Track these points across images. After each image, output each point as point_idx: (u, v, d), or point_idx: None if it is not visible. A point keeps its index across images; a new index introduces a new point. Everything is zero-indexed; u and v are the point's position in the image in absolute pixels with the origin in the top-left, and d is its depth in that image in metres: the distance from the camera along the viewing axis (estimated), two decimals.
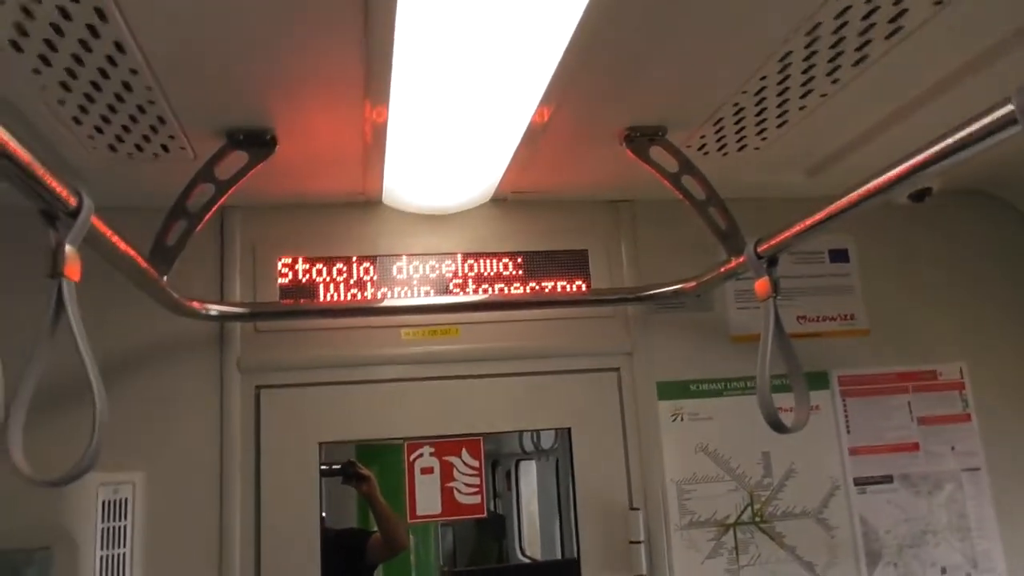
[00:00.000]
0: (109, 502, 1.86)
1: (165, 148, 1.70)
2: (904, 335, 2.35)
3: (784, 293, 2.29)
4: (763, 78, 1.60)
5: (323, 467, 2.56)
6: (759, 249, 1.67)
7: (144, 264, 1.48)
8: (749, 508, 2.17)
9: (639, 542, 2.07)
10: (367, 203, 2.18)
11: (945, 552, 2.22)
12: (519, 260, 2.21)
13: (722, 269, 1.85)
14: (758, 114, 1.77)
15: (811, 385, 2.24)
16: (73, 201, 1.06)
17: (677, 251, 2.28)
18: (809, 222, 1.55)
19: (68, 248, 1.05)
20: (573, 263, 2.24)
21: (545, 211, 2.26)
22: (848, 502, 2.21)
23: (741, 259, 1.77)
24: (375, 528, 2.48)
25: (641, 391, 2.19)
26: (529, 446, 2.94)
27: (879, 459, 2.26)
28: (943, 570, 2.21)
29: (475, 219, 2.23)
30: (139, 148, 1.70)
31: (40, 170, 0.98)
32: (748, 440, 2.21)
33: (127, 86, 1.43)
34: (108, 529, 1.84)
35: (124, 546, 1.86)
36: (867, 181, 1.35)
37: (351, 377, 2.09)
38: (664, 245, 2.29)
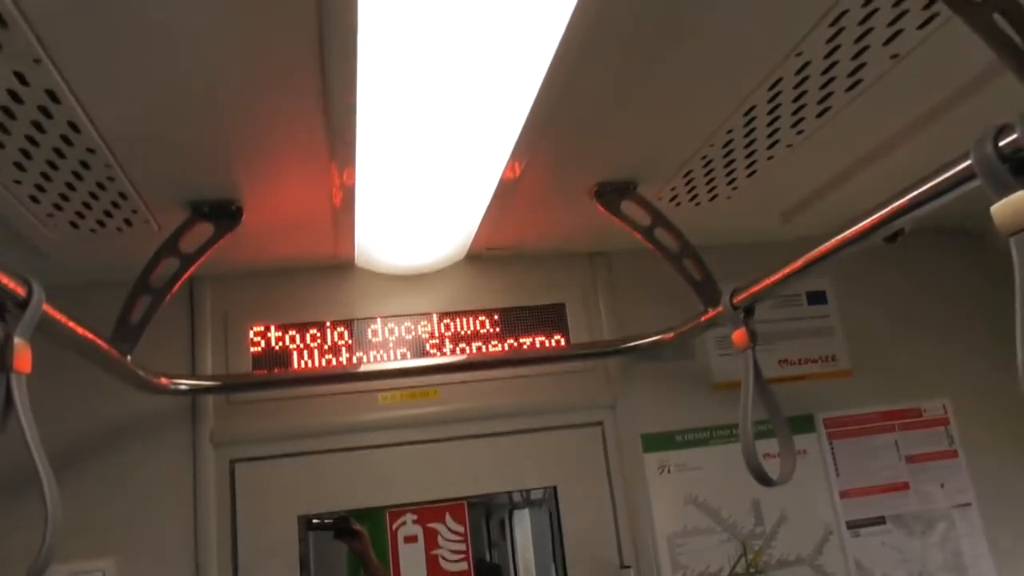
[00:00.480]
0: None
1: (128, 222, 1.67)
2: (887, 374, 2.34)
3: (764, 338, 2.30)
4: (729, 131, 1.60)
5: (314, 521, 2.48)
6: (735, 300, 1.66)
7: (105, 346, 1.44)
8: (743, 559, 2.12)
9: None
10: (339, 266, 2.15)
11: None
12: (496, 317, 2.18)
13: (699, 320, 1.83)
14: (727, 165, 1.77)
15: (797, 429, 2.23)
16: (22, 291, 1.02)
17: (656, 301, 2.26)
18: (786, 271, 1.54)
19: (17, 340, 1.00)
20: (551, 318, 2.21)
21: (520, 266, 2.24)
22: (843, 546, 2.17)
23: (719, 309, 1.75)
24: None
25: (626, 444, 2.15)
26: (517, 496, 2.84)
27: (870, 500, 2.22)
28: None
29: (450, 277, 2.21)
30: (101, 224, 1.66)
31: None
32: (737, 489, 2.17)
33: (85, 164, 1.40)
34: None
35: None
36: (841, 230, 1.35)
37: (329, 445, 2.03)
38: (642, 295, 2.27)
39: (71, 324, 1.23)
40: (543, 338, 2.19)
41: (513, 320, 2.18)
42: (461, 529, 2.03)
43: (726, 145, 1.69)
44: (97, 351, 1.40)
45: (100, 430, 1.93)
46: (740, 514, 2.15)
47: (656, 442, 2.17)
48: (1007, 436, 2.33)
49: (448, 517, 2.04)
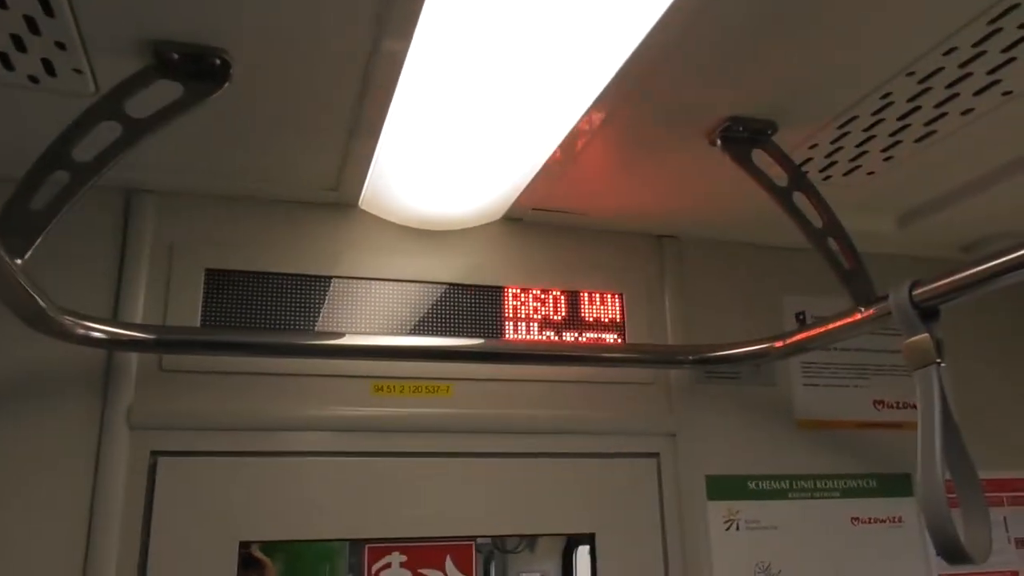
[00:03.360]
0: None
1: (49, 68, 1.09)
2: (1000, 434, 1.89)
3: (856, 371, 1.84)
4: (886, 95, 1.25)
5: None
6: (915, 293, 1.18)
7: None
8: None
9: None
10: (337, 204, 1.59)
11: None
12: (532, 298, 1.65)
13: (846, 320, 1.33)
14: (865, 140, 1.37)
15: (892, 491, 1.76)
16: None
17: (732, 305, 1.78)
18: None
19: None
20: (603, 310, 1.69)
21: (571, 239, 1.72)
22: None
23: (870, 312, 1.27)
24: None
25: (686, 486, 1.63)
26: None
27: None
28: None
29: (479, 240, 1.67)
30: None
31: None
32: (819, 558, 1.67)
33: None
34: None
35: None
36: None
37: (293, 445, 1.45)
38: (717, 297, 1.78)
39: None
40: (591, 334, 1.67)
41: (554, 306, 1.66)
42: None
43: (877, 112, 1.28)
44: None
45: None
46: None
47: (724, 488, 1.66)
48: None
49: (449, 562, 1.47)
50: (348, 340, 1.39)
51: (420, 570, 1.45)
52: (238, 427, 1.43)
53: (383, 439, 1.49)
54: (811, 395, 1.78)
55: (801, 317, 1.79)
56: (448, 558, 1.47)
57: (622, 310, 1.70)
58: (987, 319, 1.96)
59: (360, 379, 1.50)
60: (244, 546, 1.38)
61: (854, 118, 1.29)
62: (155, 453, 1.38)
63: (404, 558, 1.45)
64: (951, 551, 1.12)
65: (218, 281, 1.48)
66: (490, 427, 1.55)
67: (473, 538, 1.50)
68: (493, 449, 1.55)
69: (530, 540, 1.78)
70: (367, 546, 1.44)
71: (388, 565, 1.44)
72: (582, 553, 1.78)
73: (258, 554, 1.72)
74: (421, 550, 1.46)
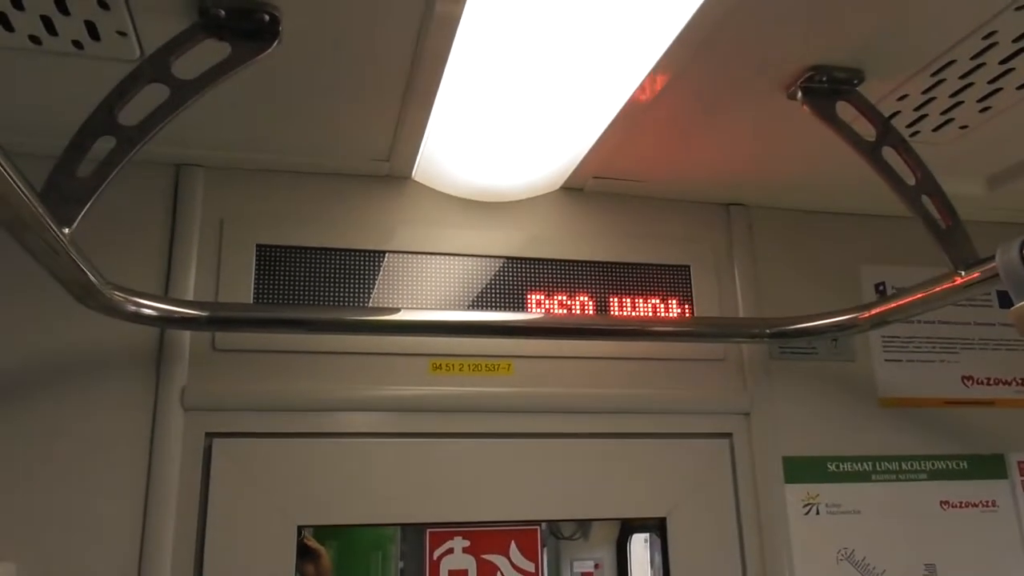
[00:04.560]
0: None
1: (93, 32, 1.04)
2: None
3: (943, 344, 1.72)
4: (989, 35, 1.10)
5: None
6: None
7: (29, 198, 0.81)
8: None
9: None
10: (390, 177, 1.53)
11: None
12: (594, 272, 1.57)
13: (938, 287, 1.22)
14: (961, 89, 1.25)
15: (985, 473, 1.63)
16: None
17: (804, 276, 1.67)
18: None
19: None
20: (669, 283, 1.60)
21: (634, 208, 1.64)
22: None
23: (973, 274, 1.16)
24: None
25: (762, 468, 1.54)
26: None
27: None
28: None
29: (537, 211, 1.59)
30: (35, 39, 1.04)
31: None
32: (907, 546, 1.56)
33: None
34: None
35: None
36: None
37: (350, 427, 1.40)
38: (789, 268, 1.68)
39: None
40: (657, 307, 1.58)
41: (617, 279, 1.57)
42: (532, 567, 1.40)
43: (977, 56, 1.16)
44: (16, 203, 0.77)
45: (15, 361, 1.29)
46: None
47: (803, 470, 1.56)
48: None
49: (514, 547, 1.40)
50: (404, 316, 1.33)
51: (484, 555, 1.38)
52: (292, 407, 1.38)
53: (442, 420, 1.42)
54: (894, 371, 1.67)
55: (881, 288, 1.68)
56: (512, 543, 1.40)
57: (689, 283, 1.60)
58: None
59: (417, 357, 1.44)
60: (303, 530, 1.33)
61: (950, 63, 1.18)
62: (210, 435, 1.33)
63: (467, 543, 1.38)
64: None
65: (270, 256, 1.43)
66: (553, 406, 1.48)
67: (538, 522, 1.43)
68: (557, 430, 1.47)
69: (585, 527, 1.71)
70: (428, 531, 1.38)
71: (451, 551, 1.38)
72: (637, 540, 1.71)
73: (312, 542, 1.68)
74: (484, 535, 1.40)
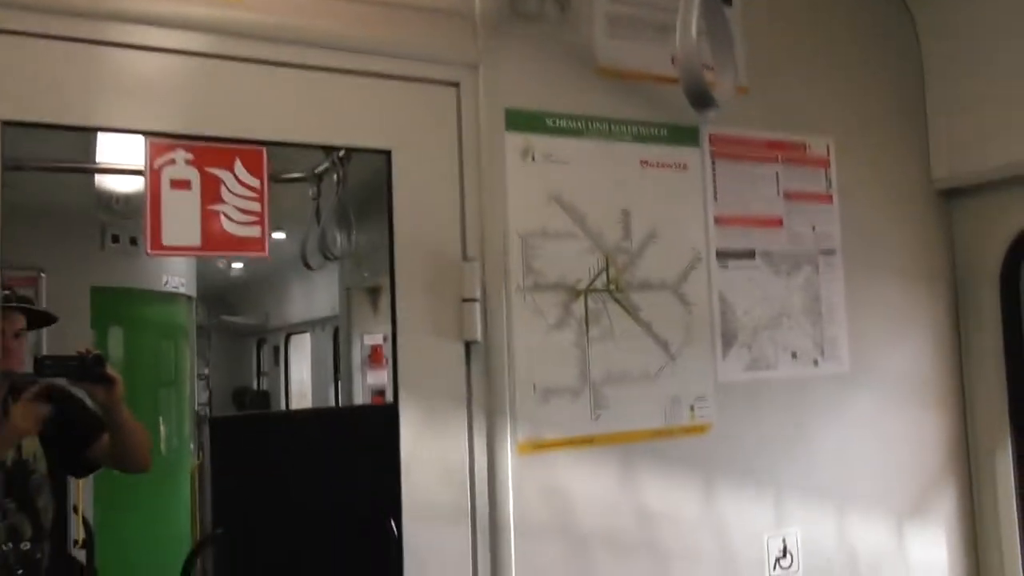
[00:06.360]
0: None
1: None
2: (779, 100, 2.03)
3: (659, 28, 1.89)
4: None
5: (44, 358, 1.85)
6: None
7: None
8: (604, 274, 1.76)
9: (473, 300, 1.60)
10: None
11: (797, 336, 1.99)
12: None
13: None
14: None
15: (680, 140, 1.88)
16: None
17: None
18: None
19: None
20: None
21: None
22: (708, 277, 1.89)
23: None
24: None
25: (486, 116, 1.67)
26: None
27: (743, 232, 1.95)
28: (793, 354, 1.98)
29: None
30: None
31: None
32: (608, 194, 1.79)
33: None
34: None
35: None
36: None
37: (72, 31, 1.34)
38: None
39: None
40: None
41: None
42: (257, 183, 1.47)
43: None
44: None
45: None
46: (608, 223, 1.78)
47: (523, 121, 1.71)
48: (880, 188, 2.16)
49: (239, 164, 1.46)
50: None
51: (208, 168, 1.43)
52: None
53: (168, 35, 1.40)
54: (615, 46, 1.83)
55: None
56: (238, 160, 1.45)
57: None
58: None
59: None
60: (5, 128, 1.29)
61: None
62: None
63: (190, 156, 1.42)
64: (696, 91, 1.21)
65: None
66: (283, 36, 1.49)
67: (265, 143, 1.48)
68: (287, 59, 1.50)
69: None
70: (149, 140, 1.40)
71: (172, 161, 1.41)
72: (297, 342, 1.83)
73: (110, 370, 1.83)
74: (209, 150, 1.44)
